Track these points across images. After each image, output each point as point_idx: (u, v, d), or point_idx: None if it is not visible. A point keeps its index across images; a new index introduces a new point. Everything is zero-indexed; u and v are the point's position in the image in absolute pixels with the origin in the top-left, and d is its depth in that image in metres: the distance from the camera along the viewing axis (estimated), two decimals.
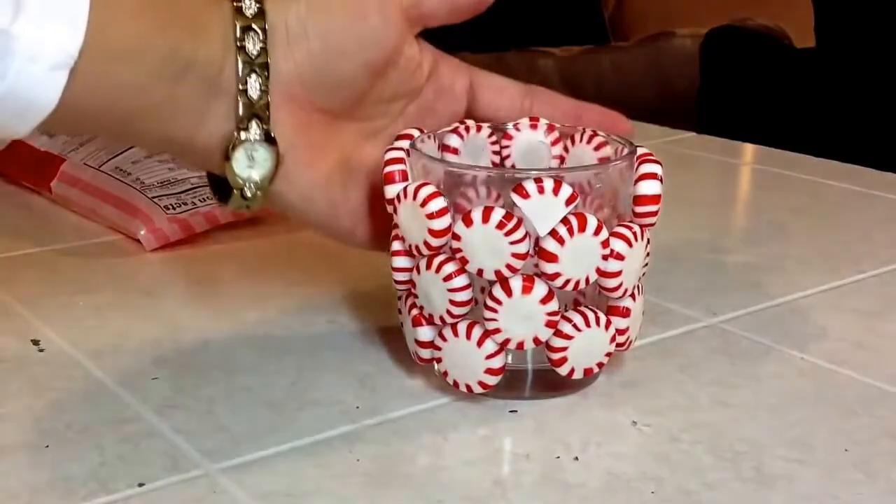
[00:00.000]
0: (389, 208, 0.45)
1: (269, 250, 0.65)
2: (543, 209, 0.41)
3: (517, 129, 0.49)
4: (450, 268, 0.43)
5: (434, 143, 0.48)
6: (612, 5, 3.28)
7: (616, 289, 0.43)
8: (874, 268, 0.61)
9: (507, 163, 0.50)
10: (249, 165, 0.44)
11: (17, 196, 0.76)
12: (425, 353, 0.45)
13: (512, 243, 0.41)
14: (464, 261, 0.42)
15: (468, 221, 0.41)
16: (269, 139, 0.44)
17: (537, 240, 0.42)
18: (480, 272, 0.42)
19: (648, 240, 0.45)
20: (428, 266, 0.43)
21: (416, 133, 0.46)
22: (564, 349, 0.43)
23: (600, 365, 0.45)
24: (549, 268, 0.42)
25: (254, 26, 0.43)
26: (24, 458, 0.41)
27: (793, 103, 2.01)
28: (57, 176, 0.72)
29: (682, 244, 0.66)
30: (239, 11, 0.43)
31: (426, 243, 0.43)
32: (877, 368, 0.48)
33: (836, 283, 0.59)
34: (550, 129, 0.49)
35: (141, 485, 0.39)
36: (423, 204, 0.42)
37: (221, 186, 0.46)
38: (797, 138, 1.14)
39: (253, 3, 0.43)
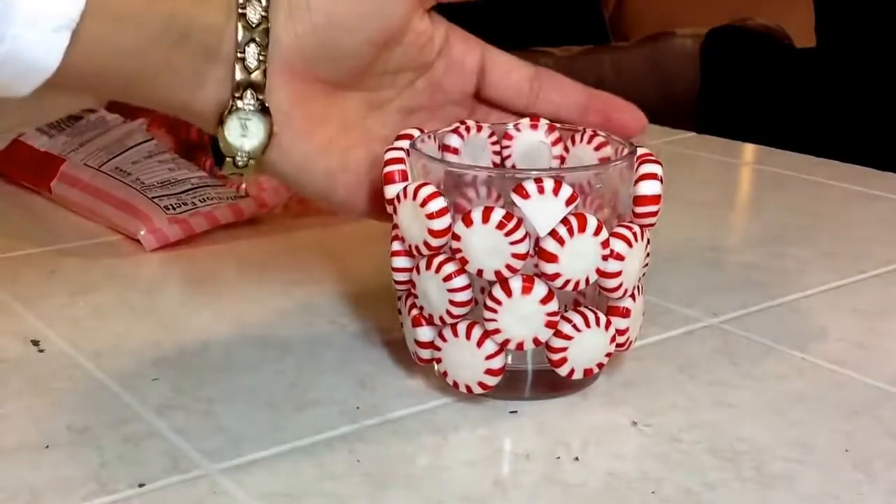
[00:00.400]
0: (389, 208, 0.45)
1: (269, 250, 0.65)
2: (543, 209, 0.41)
3: (517, 130, 0.49)
4: (450, 268, 0.43)
5: (434, 143, 0.48)
6: (612, 5, 3.28)
7: (616, 289, 0.43)
8: (875, 268, 0.61)
9: (508, 163, 0.50)
10: (242, 134, 0.44)
11: (17, 196, 0.76)
12: (425, 354, 0.45)
13: (512, 243, 0.41)
14: (463, 261, 0.42)
15: (468, 221, 0.41)
16: (263, 110, 0.44)
17: (537, 240, 0.42)
18: (480, 272, 0.42)
19: (648, 240, 0.45)
20: (428, 266, 0.43)
21: (416, 133, 0.46)
22: (564, 349, 0.43)
23: (600, 365, 0.45)
24: (549, 268, 0.42)
25: None
26: (24, 458, 0.41)
27: (793, 103, 2.01)
28: (57, 176, 0.72)
29: (683, 244, 0.66)
30: None
31: (426, 243, 0.43)
32: (877, 369, 0.48)
33: (836, 283, 0.59)
34: (551, 129, 0.49)
35: (141, 485, 0.39)
36: (423, 204, 0.42)
37: (219, 150, 0.45)
38: (797, 138, 1.14)
39: None
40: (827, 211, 0.74)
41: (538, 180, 0.41)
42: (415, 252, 0.44)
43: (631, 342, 0.46)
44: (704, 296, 0.57)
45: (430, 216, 0.42)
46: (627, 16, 3.25)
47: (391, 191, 0.44)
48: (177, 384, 0.46)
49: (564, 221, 0.41)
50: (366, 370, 0.48)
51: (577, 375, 0.44)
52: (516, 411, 0.44)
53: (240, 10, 0.42)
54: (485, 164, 0.49)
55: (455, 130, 0.49)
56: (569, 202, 0.41)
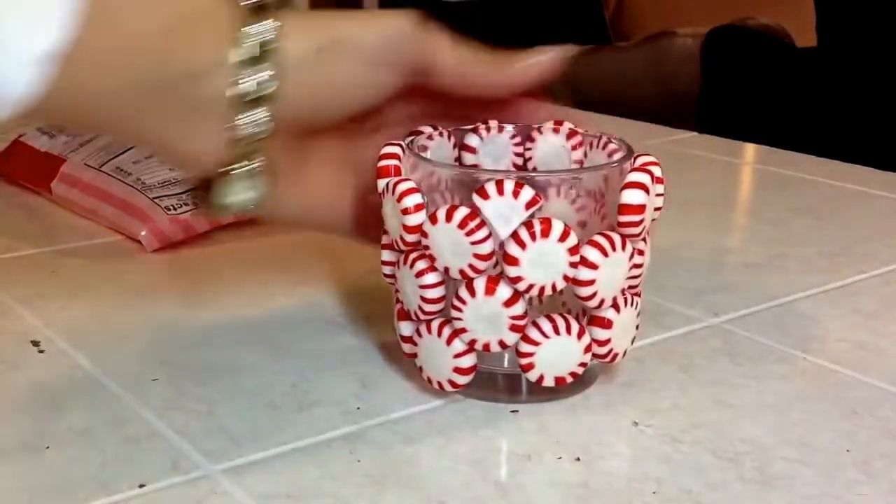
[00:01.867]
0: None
1: (269, 250, 0.65)
2: (504, 211, 0.41)
3: (539, 132, 0.49)
4: (421, 265, 0.43)
5: (449, 140, 0.48)
6: (612, 5, 3.28)
7: (590, 297, 0.43)
8: (876, 268, 0.61)
9: (530, 165, 0.50)
10: (231, 194, 0.43)
11: (17, 196, 0.76)
12: (407, 348, 0.46)
13: (473, 243, 0.41)
14: (432, 258, 0.42)
15: (433, 219, 0.41)
16: (254, 173, 0.43)
17: (502, 242, 0.41)
18: (447, 270, 0.42)
19: (639, 251, 0.44)
20: (405, 261, 0.43)
21: (428, 129, 0.46)
22: (531, 354, 0.43)
23: (574, 375, 0.44)
24: (512, 271, 0.41)
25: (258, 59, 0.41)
26: (24, 459, 0.40)
27: (794, 103, 2.01)
28: (57, 177, 0.72)
29: (684, 244, 0.66)
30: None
31: (402, 238, 0.43)
32: (879, 369, 0.48)
33: (837, 283, 0.59)
34: (572, 133, 0.49)
35: (142, 486, 0.39)
36: (400, 199, 0.42)
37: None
38: (799, 138, 1.14)
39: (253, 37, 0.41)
40: (828, 211, 0.74)
41: (499, 182, 0.41)
42: (396, 246, 0.44)
43: (616, 353, 0.45)
44: (705, 296, 0.57)
45: (406, 211, 0.42)
46: (628, 15, 3.25)
47: (381, 184, 0.45)
48: (177, 385, 0.46)
49: (528, 225, 0.41)
50: (367, 370, 0.48)
51: (548, 382, 0.44)
52: (517, 411, 0.44)
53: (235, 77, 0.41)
54: (505, 165, 0.49)
55: (475, 130, 0.49)
56: (529, 206, 0.41)
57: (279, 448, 0.41)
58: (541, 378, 0.43)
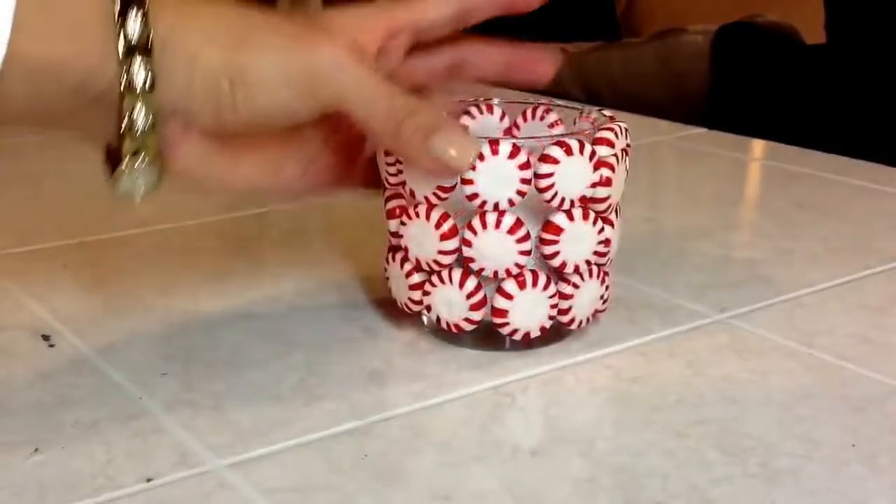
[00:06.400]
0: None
1: (278, 246, 0.65)
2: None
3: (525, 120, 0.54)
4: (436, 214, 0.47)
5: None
6: (623, 2, 3.27)
7: (553, 256, 0.47)
8: (882, 263, 0.61)
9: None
10: (134, 179, 0.43)
11: (29, 189, 0.76)
12: (415, 296, 0.50)
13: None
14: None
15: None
16: (154, 161, 0.43)
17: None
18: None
19: (609, 221, 0.48)
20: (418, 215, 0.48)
21: None
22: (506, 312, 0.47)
23: (543, 330, 0.48)
24: (468, 189, 0.45)
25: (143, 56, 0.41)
26: (32, 452, 0.41)
27: (803, 100, 2.00)
28: None
29: (691, 239, 0.66)
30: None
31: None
32: (884, 364, 0.48)
33: (844, 278, 0.59)
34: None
35: (149, 480, 0.39)
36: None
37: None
38: (807, 134, 1.13)
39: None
40: (835, 207, 0.74)
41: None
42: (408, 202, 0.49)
43: (576, 320, 0.49)
44: (712, 291, 0.57)
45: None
46: (638, 12, 3.24)
47: None
48: (185, 379, 0.47)
49: (492, 142, 0.45)
50: (374, 365, 0.48)
51: (518, 336, 0.48)
52: (525, 407, 0.44)
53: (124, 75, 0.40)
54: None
55: (467, 112, 0.53)
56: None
57: (286, 442, 0.41)
58: (513, 332, 0.48)
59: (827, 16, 1.97)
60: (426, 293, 0.48)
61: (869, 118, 1.83)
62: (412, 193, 0.47)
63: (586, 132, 0.47)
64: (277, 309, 0.55)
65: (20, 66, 0.38)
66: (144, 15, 0.40)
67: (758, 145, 0.93)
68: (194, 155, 0.44)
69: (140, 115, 0.41)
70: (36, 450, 0.41)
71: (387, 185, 0.49)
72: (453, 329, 0.48)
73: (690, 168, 0.84)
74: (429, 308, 0.48)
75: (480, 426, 0.43)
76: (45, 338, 0.51)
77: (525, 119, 0.53)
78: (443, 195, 0.46)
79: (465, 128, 0.48)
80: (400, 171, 0.47)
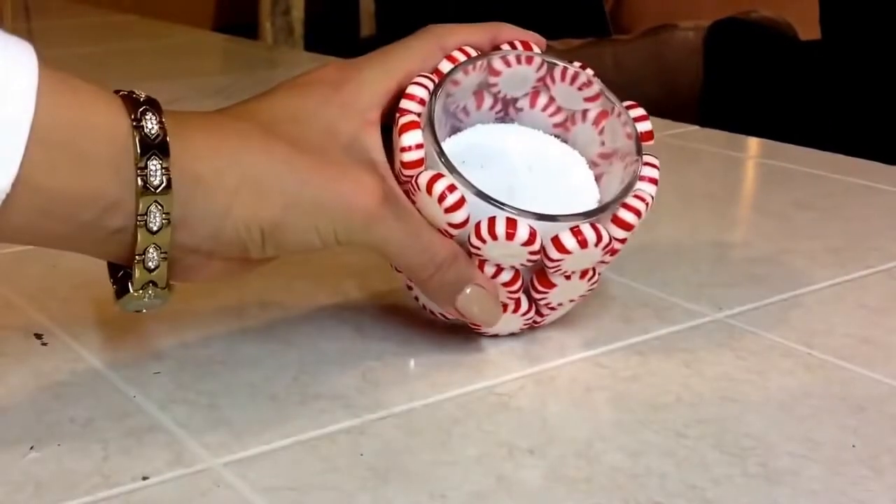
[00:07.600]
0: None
1: None
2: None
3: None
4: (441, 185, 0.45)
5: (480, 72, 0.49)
6: None
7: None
8: (881, 262, 0.61)
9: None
10: (141, 303, 0.44)
11: None
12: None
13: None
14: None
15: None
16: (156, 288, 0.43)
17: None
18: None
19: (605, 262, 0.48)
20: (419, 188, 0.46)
21: (460, 57, 0.48)
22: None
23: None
24: (475, 253, 0.46)
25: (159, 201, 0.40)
26: (27, 452, 0.40)
27: (797, 96, 2.00)
28: None
29: (687, 238, 0.66)
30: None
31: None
32: (884, 364, 0.48)
33: (842, 277, 0.59)
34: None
35: (144, 478, 0.39)
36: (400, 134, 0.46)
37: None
38: (802, 132, 1.13)
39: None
40: (832, 205, 0.74)
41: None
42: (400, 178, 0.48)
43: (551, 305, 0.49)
44: (709, 290, 0.57)
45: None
46: (628, 8, 3.24)
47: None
48: (179, 378, 0.46)
49: (510, 223, 0.44)
50: (369, 364, 0.48)
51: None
52: (521, 406, 0.44)
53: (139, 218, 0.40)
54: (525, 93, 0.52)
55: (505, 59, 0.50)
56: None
57: (281, 441, 0.41)
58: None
59: (821, 11, 1.97)
60: None
61: (864, 115, 1.83)
62: None
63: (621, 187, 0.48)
64: (271, 308, 0.54)
65: (33, 197, 0.38)
66: (165, 167, 0.40)
67: (752, 143, 0.93)
68: (213, 275, 0.45)
69: (155, 255, 0.41)
70: (32, 447, 0.41)
71: None
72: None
73: (684, 166, 0.84)
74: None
75: (476, 425, 0.43)
76: (38, 336, 0.50)
77: (563, 79, 0.51)
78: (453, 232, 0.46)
79: (491, 282, 0.47)
80: (408, 179, 0.46)
